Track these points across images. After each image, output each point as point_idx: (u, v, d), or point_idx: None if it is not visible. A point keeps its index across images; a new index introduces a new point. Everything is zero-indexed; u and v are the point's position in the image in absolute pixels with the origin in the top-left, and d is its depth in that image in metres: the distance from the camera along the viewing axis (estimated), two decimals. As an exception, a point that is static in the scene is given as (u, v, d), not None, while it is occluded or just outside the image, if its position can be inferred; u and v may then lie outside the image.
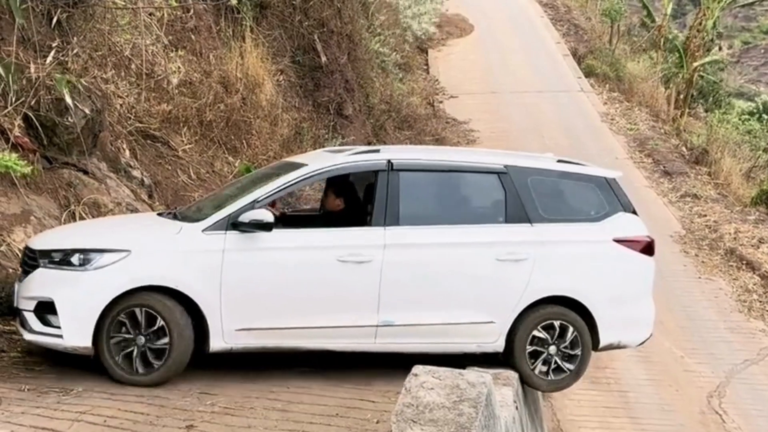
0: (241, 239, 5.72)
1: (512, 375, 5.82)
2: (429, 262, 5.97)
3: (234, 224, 5.72)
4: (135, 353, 5.58)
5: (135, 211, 8.02)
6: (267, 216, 5.73)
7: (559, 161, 6.62)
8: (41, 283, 5.65)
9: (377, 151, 6.51)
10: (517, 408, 5.43)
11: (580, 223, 6.26)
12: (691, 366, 11.06)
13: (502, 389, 5.35)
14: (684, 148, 20.67)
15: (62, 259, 5.66)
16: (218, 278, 5.64)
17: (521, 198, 6.13)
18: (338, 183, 6.57)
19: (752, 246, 15.15)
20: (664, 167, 19.13)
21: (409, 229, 5.96)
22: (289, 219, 6.68)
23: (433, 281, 5.95)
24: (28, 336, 5.71)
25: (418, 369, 3.97)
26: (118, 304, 5.56)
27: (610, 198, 6.35)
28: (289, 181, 6.04)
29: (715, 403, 10.13)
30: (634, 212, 6.45)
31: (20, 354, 6.07)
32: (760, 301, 13.16)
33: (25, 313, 5.68)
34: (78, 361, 5.95)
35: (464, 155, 6.60)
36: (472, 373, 4.04)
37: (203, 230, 5.76)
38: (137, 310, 5.58)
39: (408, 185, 6.07)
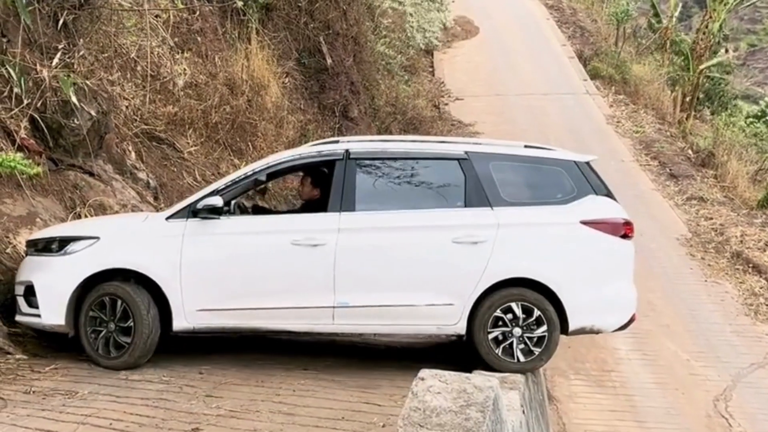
0: (199, 225, 6.08)
1: (519, 379, 5.78)
2: (384, 246, 6.05)
3: (194, 212, 6.09)
4: (108, 337, 5.99)
5: (140, 213, 8.06)
6: (218, 201, 6.05)
7: (526, 146, 6.62)
8: (27, 269, 6.20)
9: (337, 141, 6.68)
10: (524, 412, 5.40)
11: (544, 206, 6.19)
12: (697, 369, 11.00)
13: (509, 393, 5.33)
14: (690, 151, 20.58)
15: (44, 246, 6.19)
16: (178, 261, 5.97)
17: (482, 182, 6.15)
18: (312, 173, 6.74)
19: (759, 249, 15.06)
20: (670, 170, 19.05)
21: (364, 214, 6.08)
22: (266, 211, 7.38)
23: (388, 264, 6.03)
24: (18, 317, 6.19)
25: (424, 373, 3.96)
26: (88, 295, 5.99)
27: (580, 181, 6.27)
28: (248, 172, 6.34)
29: (721, 407, 10.08)
30: (610, 195, 6.35)
31: (26, 356, 6.08)
32: (767, 305, 13.09)
33: (18, 298, 6.17)
34: (82, 363, 5.98)
35: (426, 144, 6.63)
36: (479, 377, 4.02)
37: (167, 218, 6.16)
38: (105, 299, 5.97)
39: (365, 173, 6.24)
